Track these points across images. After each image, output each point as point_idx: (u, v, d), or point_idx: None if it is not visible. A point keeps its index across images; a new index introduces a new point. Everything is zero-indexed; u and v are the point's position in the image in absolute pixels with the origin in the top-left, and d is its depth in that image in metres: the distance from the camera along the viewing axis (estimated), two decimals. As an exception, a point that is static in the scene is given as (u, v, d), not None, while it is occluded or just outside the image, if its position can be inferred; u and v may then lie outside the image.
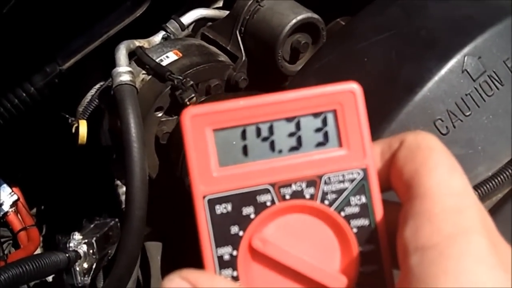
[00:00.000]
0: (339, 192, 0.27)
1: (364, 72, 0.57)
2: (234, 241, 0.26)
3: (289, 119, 0.27)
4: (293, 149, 0.27)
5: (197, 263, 0.27)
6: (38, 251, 0.95)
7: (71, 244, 0.69)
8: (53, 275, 0.71)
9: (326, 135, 0.27)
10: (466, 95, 0.53)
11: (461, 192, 0.24)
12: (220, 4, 0.85)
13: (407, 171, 0.25)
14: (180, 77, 0.68)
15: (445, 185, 0.24)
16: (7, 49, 0.74)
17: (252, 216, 0.26)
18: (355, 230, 0.27)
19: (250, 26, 0.74)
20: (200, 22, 0.83)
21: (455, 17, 0.57)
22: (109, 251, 0.79)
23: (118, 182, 0.81)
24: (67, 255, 0.65)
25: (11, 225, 0.93)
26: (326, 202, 0.27)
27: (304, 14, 0.70)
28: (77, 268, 0.69)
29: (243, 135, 0.27)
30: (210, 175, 0.26)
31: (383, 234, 0.27)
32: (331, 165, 0.27)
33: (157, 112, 0.71)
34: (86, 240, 0.70)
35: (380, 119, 0.52)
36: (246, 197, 0.26)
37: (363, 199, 0.27)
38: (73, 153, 0.87)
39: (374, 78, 0.56)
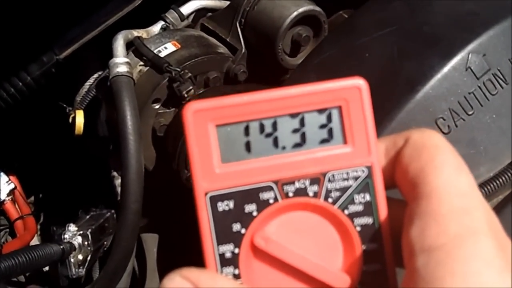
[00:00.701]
0: (343, 190, 0.26)
1: (365, 68, 0.55)
2: (236, 239, 0.26)
3: (293, 115, 0.27)
4: (297, 145, 0.27)
5: (196, 258, 0.27)
6: (35, 240, 0.95)
7: (66, 236, 0.69)
8: (48, 266, 0.70)
9: (330, 132, 0.27)
10: (469, 93, 0.52)
11: (468, 192, 0.24)
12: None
13: (412, 169, 0.25)
14: (178, 69, 0.67)
15: (451, 184, 0.24)
16: (3, 38, 0.72)
17: (255, 213, 0.26)
18: (358, 228, 0.26)
19: (251, 18, 0.72)
20: (200, 13, 0.81)
21: (459, 13, 0.56)
22: (105, 242, 0.78)
23: (115, 173, 0.80)
24: (61, 247, 0.64)
25: (8, 214, 0.92)
26: (330, 200, 0.26)
27: (306, 7, 0.69)
28: (72, 260, 0.69)
29: (246, 131, 0.26)
30: (212, 171, 0.26)
31: (386, 233, 0.26)
32: (336, 162, 0.27)
33: (155, 104, 0.70)
34: (81, 232, 0.70)
35: (381, 117, 0.51)
36: (248, 194, 0.26)
37: (367, 197, 0.26)
38: (70, 143, 0.87)
39: (375, 74, 0.54)
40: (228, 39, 0.75)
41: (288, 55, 0.73)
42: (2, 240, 0.95)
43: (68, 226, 0.70)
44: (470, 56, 0.52)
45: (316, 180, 0.26)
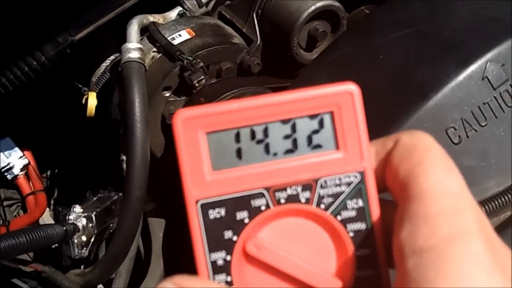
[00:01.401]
0: (336, 195, 0.26)
1: (378, 70, 0.54)
2: (228, 246, 0.26)
3: (284, 121, 0.26)
4: (289, 151, 0.26)
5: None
6: (47, 216, 0.97)
7: (71, 217, 0.69)
8: (51, 247, 0.71)
9: (322, 138, 0.26)
10: (484, 104, 0.50)
11: (458, 193, 0.23)
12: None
13: (402, 170, 0.25)
14: (190, 58, 0.66)
15: (441, 186, 0.23)
16: (19, 17, 0.73)
17: (246, 220, 0.26)
18: (351, 234, 0.26)
19: (268, 9, 0.71)
20: (219, 0, 0.80)
21: (482, 18, 0.53)
22: (111, 224, 0.79)
23: (124, 157, 0.80)
24: (64, 228, 0.65)
25: (21, 188, 0.94)
26: (322, 206, 0.26)
27: (324, 1, 0.67)
28: (75, 241, 0.69)
29: (237, 137, 0.26)
30: (203, 179, 0.26)
31: (380, 238, 0.26)
32: (328, 168, 0.26)
33: (165, 92, 0.70)
34: (85, 214, 0.70)
35: (389, 122, 0.49)
36: (240, 202, 0.26)
37: (360, 203, 0.26)
38: (84, 123, 0.87)
39: (387, 77, 0.53)
40: (244, 30, 0.74)
41: (304, 49, 0.71)
42: (14, 214, 0.97)
43: (73, 207, 0.71)
44: (488, 64, 0.50)
45: (308, 186, 0.26)
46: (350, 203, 0.26)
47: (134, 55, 0.66)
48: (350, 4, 0.73)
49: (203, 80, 0.67)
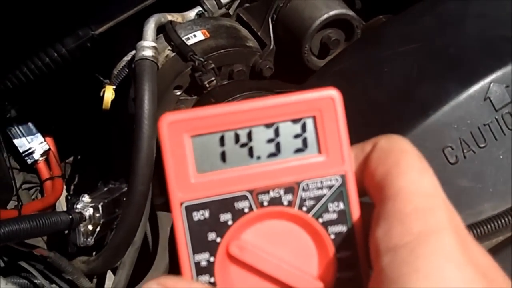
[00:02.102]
0: (317, 198, 0.27)
1: (380, 84, 0.53)
2: (212, 248, 0.26)
3: (268, 125, 0.27)
4: (272, 155, 0.27)
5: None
6: (63, 201, 1.00)
7: (79, 206, 0.72)
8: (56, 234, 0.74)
9: (305, 141, 0.27)
10: (485, 125, 0.49)
11: (431, 193, 0.24)
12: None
13: (379, 172, 0.25)
14: (202, 59, 0.67)
15: (415, 185, 0.24)
16: (43, 11, 0.75)
17: (230, 222, 0.26)
18: (332, 236, 0.27)
19: (282, 14, 0.71)
20: (240, 2, 0.81)
21: (491, 37, 0.52)
22: (119, 215, 0.81)
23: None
24: (70, 216, 0.67)
25: (40, 173, 0.97)
26: (304, 208, 0.27)
27: (338, 10, 0.67)
28: (82, 229, 0.72)
29: (222, 141, 0.27)
30: (188, 181, 0.26)
31: (360, 240, 0.27)
32: (310, 171, 0.27)
33: (176, 90, 0.71)
34: (93, 204, 0.73)
35: (385, 137, 0.49)
36: (223, 204, 0.26)
37: (341, 206, 0.27)
38: (103, 115, 0.90)
39: (389, 91, 0.52)
40: (259, 33, 0.74)
41: (316, 56, 0.71)
42: (32, 197, 1.01)
43: (82, 197, 0.73)
44: (491, 85, 0.49)
45: (290, 189, 0.27)
46: (332, 206, 0.27)
47: (148, 53, 0.67)
48: (367, 13, 0.72)
49: (214, 81, 0.69)
